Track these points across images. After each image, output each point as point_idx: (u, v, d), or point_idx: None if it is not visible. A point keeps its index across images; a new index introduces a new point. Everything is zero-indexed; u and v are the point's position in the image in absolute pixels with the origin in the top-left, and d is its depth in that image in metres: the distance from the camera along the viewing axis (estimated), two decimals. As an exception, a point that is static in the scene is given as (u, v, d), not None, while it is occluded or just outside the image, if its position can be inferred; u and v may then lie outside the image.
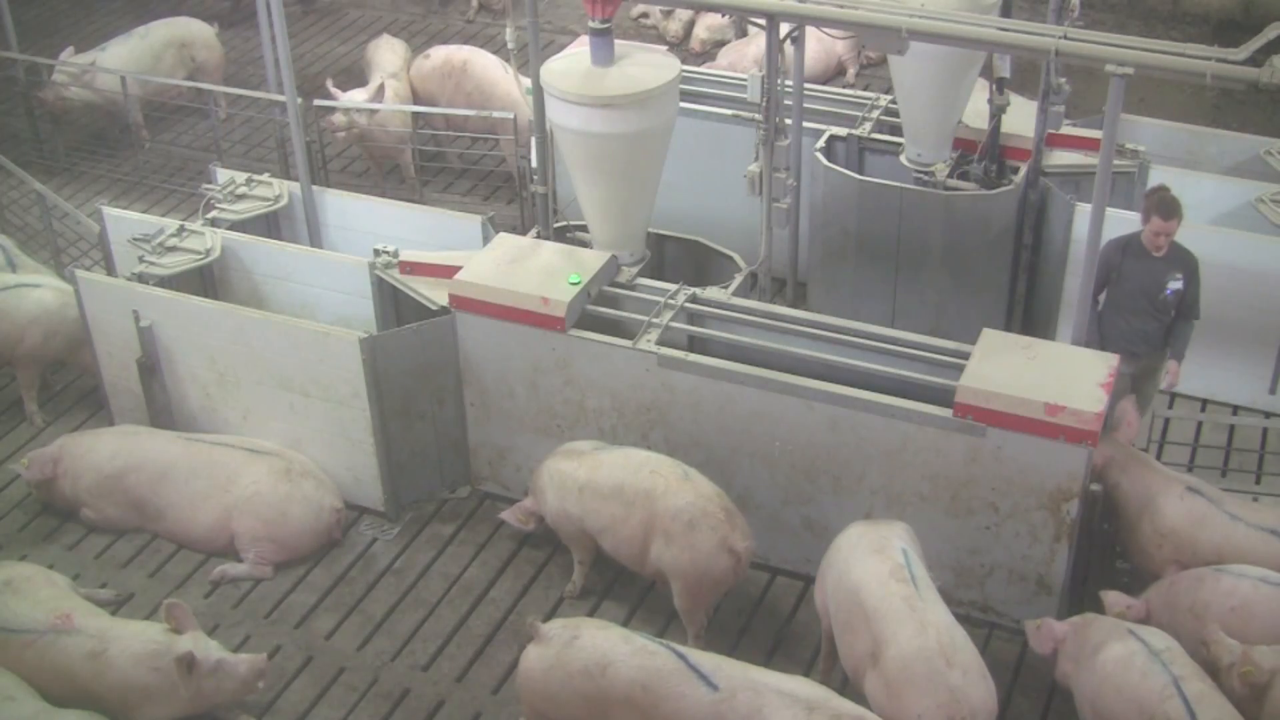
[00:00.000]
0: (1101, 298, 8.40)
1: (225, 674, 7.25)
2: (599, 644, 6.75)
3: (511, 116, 11.13)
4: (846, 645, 6.88)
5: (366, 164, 12.39)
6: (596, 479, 7.83)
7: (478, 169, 12.29)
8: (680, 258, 9.39)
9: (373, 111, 11.57)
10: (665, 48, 12.93)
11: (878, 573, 6.81)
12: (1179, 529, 7.46)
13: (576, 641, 6.79)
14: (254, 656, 7.38)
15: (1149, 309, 8.20)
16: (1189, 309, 8.31)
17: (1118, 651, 6.67)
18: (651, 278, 8.81)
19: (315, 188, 9.81)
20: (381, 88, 11.65)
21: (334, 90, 11.70)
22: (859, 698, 6.69)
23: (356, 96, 11.71)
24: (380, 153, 11.98)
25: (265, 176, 9.97)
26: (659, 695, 6.54)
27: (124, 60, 12.67)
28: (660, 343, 8.12)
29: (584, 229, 9.02)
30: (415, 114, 11.98)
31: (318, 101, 11.47)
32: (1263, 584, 6.97)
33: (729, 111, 10.23)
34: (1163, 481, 7.64)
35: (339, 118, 11.52)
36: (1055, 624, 7.18)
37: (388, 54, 12.82)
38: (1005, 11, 9.15)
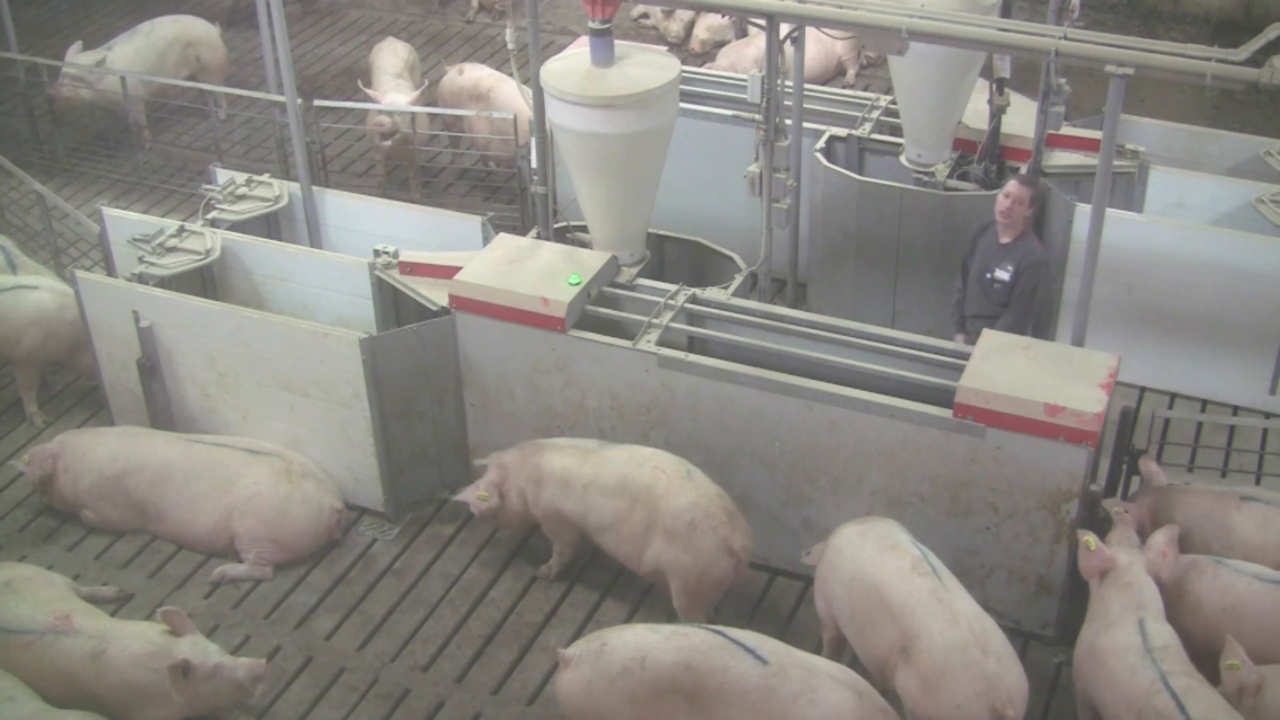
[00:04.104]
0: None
1: (223, 678, 7.22)
2: (629, 641, 6.74)
3: (511, 116, 11.14)
4: (868, 644, 6.87)
5: (372, 162, 12.39)
6: (602, 475, 7.81)
7: (477, 169, 12.30)
8: (680, 258, 9.38)
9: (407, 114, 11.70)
10: (665, 48, 12.98)
11: (898, 568, 6.81)
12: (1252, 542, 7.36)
13: (607, 648, 6.77)
14: (253, 661, 7.34)
15: (979, 291, 8.11)
16: (1016, 305, 8.09)
17: (1117, 642, 6.63)
18: (651, 278, 8.81)
19: (315, 188, 9.81)
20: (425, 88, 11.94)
21: (369, 93, 11.95)
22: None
23: (399, 100, 11.82)
24: (399, 154, 11.99)
25: (265, 177, 9.97)
26: (703, 671, 6.51)
27: (130, 58, 12.68)
28: (660, 343, 8.12)
29: (584, 229, 9.01)
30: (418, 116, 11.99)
31: (318, 102, 11.47)
32: (1256, 581, 6.92)
33: (729, 112, 10.22)
34: (1219, 500, 7.53)
35: (384, 120, 11.65)
36: (1107, 553, 6.93)
37: (389, 57, 12.87)
38: (1005, 11, 9.15)
